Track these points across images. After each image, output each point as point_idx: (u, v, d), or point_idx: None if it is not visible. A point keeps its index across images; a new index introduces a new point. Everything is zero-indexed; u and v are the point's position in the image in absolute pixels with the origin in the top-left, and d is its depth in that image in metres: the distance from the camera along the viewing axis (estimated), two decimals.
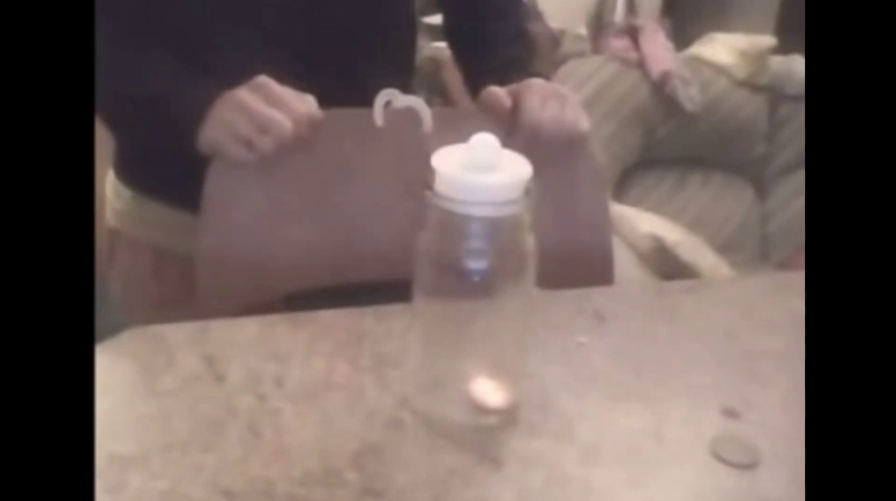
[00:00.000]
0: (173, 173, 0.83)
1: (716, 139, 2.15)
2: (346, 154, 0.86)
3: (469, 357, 0.58)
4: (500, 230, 0.53)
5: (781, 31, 2.48)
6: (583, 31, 2.79)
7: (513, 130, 0.80)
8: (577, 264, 0.88)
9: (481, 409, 0.59)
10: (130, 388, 0.63)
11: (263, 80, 0.76)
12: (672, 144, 2.14)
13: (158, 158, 0.87)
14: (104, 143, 0.81)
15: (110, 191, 0.96)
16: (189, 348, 0.65)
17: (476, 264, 0.53)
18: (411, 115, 0.80)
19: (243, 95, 0.75)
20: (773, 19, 2.75)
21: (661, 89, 2.07)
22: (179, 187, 0.81)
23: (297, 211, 0.86)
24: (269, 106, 0.74)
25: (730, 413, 0.61)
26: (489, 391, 0.59)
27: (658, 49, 2.10)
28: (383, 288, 0.68)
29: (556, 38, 2.59)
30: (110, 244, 0.95)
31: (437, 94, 2.50)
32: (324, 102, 0.78)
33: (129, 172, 0.94)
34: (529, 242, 0.54)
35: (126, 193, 0.94)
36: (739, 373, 0.66)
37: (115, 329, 0.65)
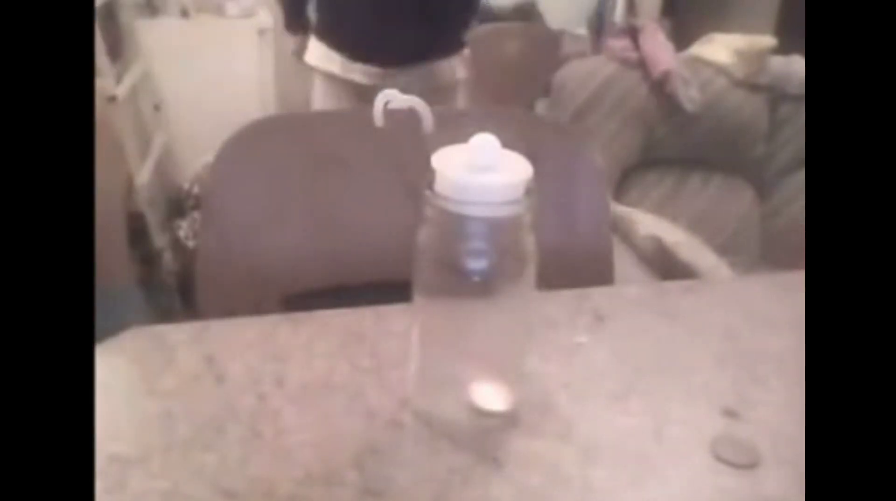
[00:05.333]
0: (344, 34, 1.81)
1: (716, 139, 2.15)
2: (345, 155, 0.86)
3: (469, 357, 0.58)
4: (500, 230, 0.53)
5: (781, 31, 2.48)
6: (583, 31, 2.79)
7: None
8: (577, 264, 0.88)
9: (481, 409, 0.59)
10: (130, 388, 0.63)
11: None
12: (672, 144, 2.14)
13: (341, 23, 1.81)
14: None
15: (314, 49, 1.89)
16: (189, 348, 0.65)
17: (476, 264, 0.53)
18: (411, 115, 0.80)
19: None
20: (773, 19, 2.76)
21: (661, 89, 2.07)
22: (348, 43, 1.80)
23: (297, 212, 0.86)
24: None
25: (730, 413, 0.61)
26: (489, 391, 0.59)
27: (658, 49, 2.10)
28: (383, 288, 0.68)
29: (556, 39, 2.59)
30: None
31: None
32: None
33: (322, 35, 1.86)
34: (529, 242, 0.54)
35: (321, 46, 1.86)
36: (739, 373, 0.66)
37: (115, 329, 0.65)
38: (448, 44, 1.86)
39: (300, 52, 1.96)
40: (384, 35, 1.73)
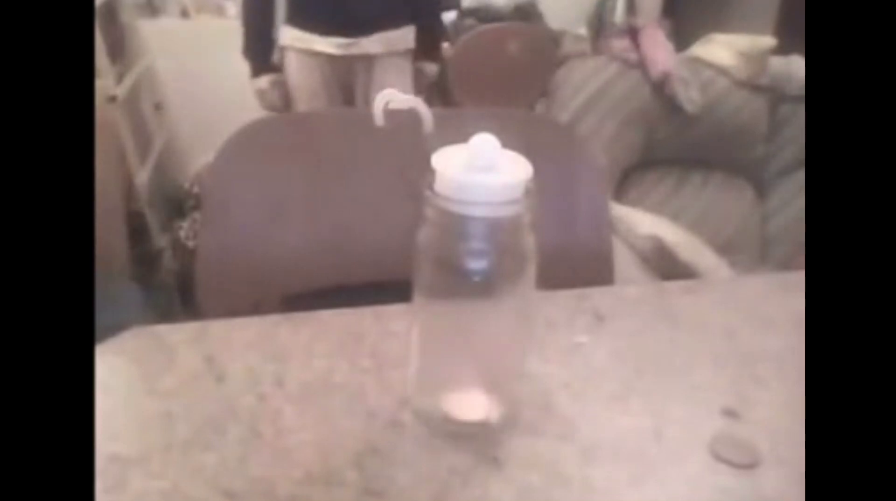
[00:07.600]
0: (314, 15, 2.18)
1: (716, 140, 2.15)
2: (345, 155, 0.86)
3: (469, 357, 0.58)
4: (500, 230, 0.53)
5: (781, 31, 2.48)
6: (583, 31, 2.79)
7: None
8: (577, 264, 0.88)
9: (481, 409, 0.59)
10: (130, 388, 0.63)
11: None
12: (672, 144, 2.14)
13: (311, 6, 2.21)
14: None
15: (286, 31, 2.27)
16: (189, 348, 0.65)
17: (476, 264, 0.53)
18: (411, 115, 0.80)
19: None
20: (773, 19, 2.76)
21: (661, 90, 2.07)
22: (319, 23, 2.20)
23: (297, 212, 0.86)
24: None
25: (730, 413, 0.61)
26: (489, 391, 0.59)
27: (658, 49, 2.10)
28: (383, 288, 0.68)
29: (556, 39, 2.59)
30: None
31: (437, 94, 2.51)
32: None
33: (294, 18, 2.23)
34: (529, 242, 0.54)
35: (293, 30, 2.24)
36: (739, 373, 0.66)
37: (115, 329, 0.65)
38: (396, 17, 2.29)
39: (270, 91, 2.33)
40: (346, 11, 2.22)
